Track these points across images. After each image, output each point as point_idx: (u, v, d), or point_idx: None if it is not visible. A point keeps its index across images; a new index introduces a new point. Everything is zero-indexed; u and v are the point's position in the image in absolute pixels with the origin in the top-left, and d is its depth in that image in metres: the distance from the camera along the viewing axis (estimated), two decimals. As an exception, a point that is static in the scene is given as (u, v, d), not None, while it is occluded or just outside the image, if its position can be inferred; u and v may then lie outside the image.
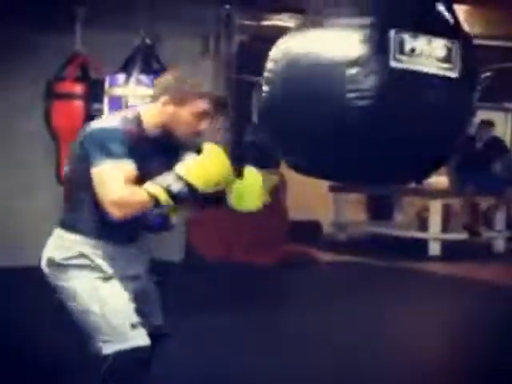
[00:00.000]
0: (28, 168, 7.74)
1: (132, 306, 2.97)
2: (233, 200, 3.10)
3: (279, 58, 3.52)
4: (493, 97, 9.27)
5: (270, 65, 3.57)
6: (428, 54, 3.25)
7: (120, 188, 2.77)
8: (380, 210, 11.78)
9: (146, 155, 2.90)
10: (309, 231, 10.66)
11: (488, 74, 8.31)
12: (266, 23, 9.08)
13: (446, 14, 3.36)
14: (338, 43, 3.31)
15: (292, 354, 4.75)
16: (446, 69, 3.25)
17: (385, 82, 3.20)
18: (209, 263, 7.72)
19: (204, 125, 2.92)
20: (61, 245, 3.14)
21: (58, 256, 3.12)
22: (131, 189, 2.78)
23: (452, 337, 5.58)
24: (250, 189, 3.14)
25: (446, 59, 3.26)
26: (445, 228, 9.81)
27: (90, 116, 6.82)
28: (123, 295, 2.97)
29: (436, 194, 9.72)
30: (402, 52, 3.23)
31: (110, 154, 2.80)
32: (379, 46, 3.22)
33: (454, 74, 3.25)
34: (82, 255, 3.01)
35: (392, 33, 3.22)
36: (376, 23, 3.27)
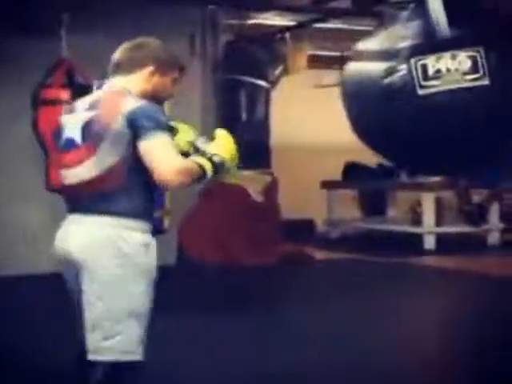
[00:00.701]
0: (16, 175, 7.69)
1: None
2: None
3: None
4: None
5: None
6: (454, 70, 3.22)
7: (178, 157, 2.87)
8: (373, 206, 11.78)
9: None
10: (302, 229, 10.65)
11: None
12: (251, 22, 9.06)
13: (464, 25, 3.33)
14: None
15: (289, 351, 4.72)
16: (474, 79, 3.21)
17: (414, 111, 3.23)
18: (202, 265, 7.69)
19: (174, 88, 3.18)
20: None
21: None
22: (184, 159, 2.90)
23: (449, 329, 5.56)
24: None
25: (473, 70, 3.23)
26: (438, 222, 9.80)
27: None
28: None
29: (429, 187, 9.70)
30: (426, 78, 3.22)
31: (161, 127, 2.89)
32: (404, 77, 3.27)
33: (484, 82, 3.21)
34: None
35: (412, 61, 3.23)
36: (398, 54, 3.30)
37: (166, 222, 6.08)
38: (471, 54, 3.23)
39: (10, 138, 7.61)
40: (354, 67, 3.77)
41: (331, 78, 11.47)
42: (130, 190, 2.94)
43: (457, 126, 3.25)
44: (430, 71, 3.23)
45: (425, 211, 9.70)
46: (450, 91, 3.22)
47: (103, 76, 5.04)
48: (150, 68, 3.14)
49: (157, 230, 6.61)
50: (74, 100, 6.93)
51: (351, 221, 11.43)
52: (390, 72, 3.33)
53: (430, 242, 9.54)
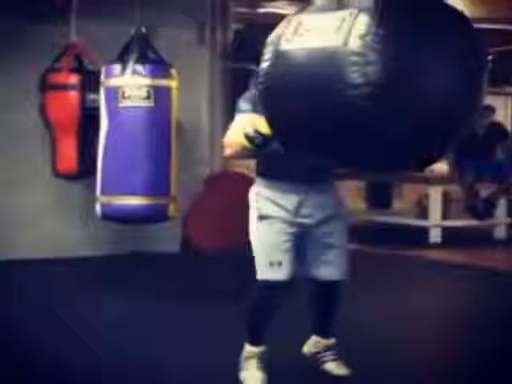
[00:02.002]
0: (24, 161, 7.69)
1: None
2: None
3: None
4: (493, 81, 9.22)
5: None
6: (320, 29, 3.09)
7: (228, 135, 3.66)
8: (379, 198, 11.74)
9: None
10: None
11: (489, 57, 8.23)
12: (261, 10, 9.03)
13: None
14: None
15: (291, 339, 4.72)
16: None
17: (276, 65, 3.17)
18: (207, 253, 7.68)
19: None
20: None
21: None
22: (233, 135, 3.61)
23: (454, 324, 5.54)
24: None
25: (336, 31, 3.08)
26: (445, 215, 9.78)
27: (86, 107, 6.78)
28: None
29: (436, 180, 9.67)
30: (296, 33, 3.14)
31: (239, 112, 3.71)
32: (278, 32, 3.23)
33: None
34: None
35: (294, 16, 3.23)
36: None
37: (172, 209, 6.06)
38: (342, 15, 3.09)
39: (16, 122, 7.60)
40: None
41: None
42: None
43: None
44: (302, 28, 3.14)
45: (431, 204, 9.67)
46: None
47: (112, 62, 5.07)
48: None
49: (162, 217, 6.63)
50: (82, 85, 6.96)
51: (356, 212, 11.40)
52: None
53: (435, 236, 9.51)
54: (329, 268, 3.96)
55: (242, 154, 3.64)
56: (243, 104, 3.70)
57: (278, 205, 3.76)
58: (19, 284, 6.56)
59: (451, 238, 9.48)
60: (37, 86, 7.03)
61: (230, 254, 7.36)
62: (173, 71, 6.13)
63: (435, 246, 9.37)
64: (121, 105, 5.93)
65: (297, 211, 3.77)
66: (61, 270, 7.23)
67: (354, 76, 2.87)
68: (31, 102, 7.12)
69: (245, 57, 8.30)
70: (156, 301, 5.82)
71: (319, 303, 4.11)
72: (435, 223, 9.57)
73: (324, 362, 4.07)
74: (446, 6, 3.10)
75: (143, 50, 6.06)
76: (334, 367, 4.04)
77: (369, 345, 4.75)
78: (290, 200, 3.76)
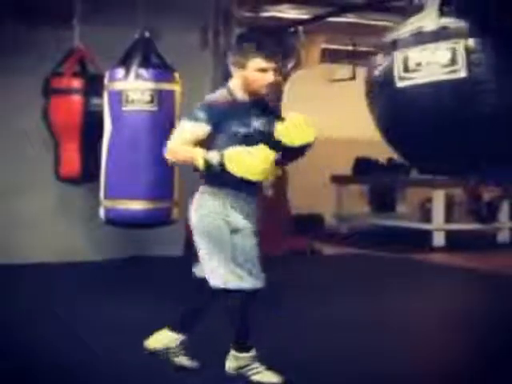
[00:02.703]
0: (27, 165, 7.69)
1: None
2: (283, 139, 3.70)
3: None
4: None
5: None
6: (434, 62, 3.17)
7: (175, 140, 3.67)
8: (383, 201, 11.75)
9: (243, 117, 3.67)
10: (311, 224, 10.63)
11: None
12: (265, 14, 9.02)
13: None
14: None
15: (294, 345, 4.72)
16: (452, 72, 3.15)
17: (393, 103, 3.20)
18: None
19: (269, 77, 3.65)
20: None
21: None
22: (186, 145, 3.63)
23: (457, 327, 5.53)
24: (295, 125, 3.70)
25: (452, 62, 3.16)
26: (448, 218, 9.77)
27: (89, 111, 6.78)
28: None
29: (439, 184, 9.66)
30: (406, 69, 3.18)
31: (190, 118, 3.68)
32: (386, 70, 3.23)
33: (461, 74, 3.14)
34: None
35: (395, 54, 3.21)
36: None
37: (175, 213, 6.06)
38: (451, 45, 3.16)
39: (20, 126, 7.61)
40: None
41: (344, 73, 11.46)
42: None
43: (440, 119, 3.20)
44: (411, 64, 3.19)
45: (435, 208, 9.66)
46: (426, 84, 3.16)
47: (115, 66, 5.07)
48: (232, 66, 3.80)
49: (165, 221, 6.62)
50: (85, 89, 6.93)
51: (360, 216, 11.40)
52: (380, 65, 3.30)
53: (439, 239, 9.50)
54: (252, 278, 3.83)
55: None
56: (201, 113, 3.67)
57: (245, 215, 3.80)
58: (21, 287, 6.56)
59: (454, 241, 9.47)
60: (40, 90, 7.03)
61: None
62: (176, 75, 6.13)
63: (438, 249, 9.36)
64: (124, 109, 5.93)
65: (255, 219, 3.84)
66: (63, 273, 7.23)
67: (483, 102, 3.02)
68: (35, 105, 7.12)
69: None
70: (157, 303, 5.82)
71: (242, 314, 3.93)
72: (438, 227, 9.56)
73: (252, 374, 3.90)
74: None
75: (146, 54, 6.06)
76: (264, 377, 3.87)
77: (370, 345, 4.75)
78: (251, 208, 3.82)
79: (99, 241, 7.85)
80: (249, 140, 3.65)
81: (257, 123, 3.78)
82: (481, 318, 5.80)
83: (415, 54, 3.21)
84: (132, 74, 5.95)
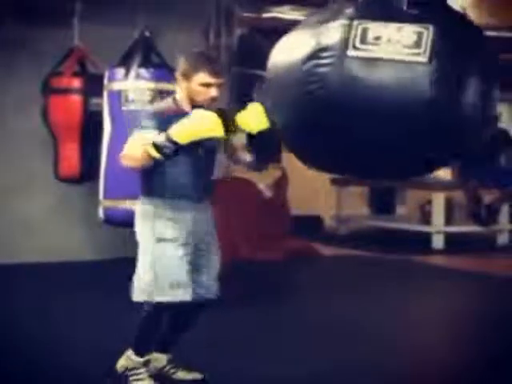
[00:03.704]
0: (26, 164, 7.68)
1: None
2: (241, 125, 3.70)
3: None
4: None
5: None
6: (395, 41, 3.12)
7: (128, 146, 3.67)
8: (382, 203, 11.74)
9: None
10: (310, 225, 10.62)
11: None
12: (266, 15, 9.01)
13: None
14: (305, 39, 3.27)
15: (295, 346, 4.72)
16: (413, 54, 3.10)
17: (341, 71, 3.12)
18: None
19: (213, 92, 3.71)
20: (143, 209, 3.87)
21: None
22: (134, 146, 3.64)
23: (456, 330, 5.53)
24: (252, 113, 3.69)
25: (416, 45, 3.11)
26: (448, 221, 9.76)
27: (89, 111, 6.77)
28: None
29: (439, 186, 9.66)
30: (363, 41, 3.12)
31: (141, 127, 3.68)
32: (341, 37, 3.15)
33: (422, 59, 3.09)
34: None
35: (355, 22, 3.14)
36: (344, 16, 3.20)
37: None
38: (418, 29, 3.12)
39: (19, 125, 7.60)
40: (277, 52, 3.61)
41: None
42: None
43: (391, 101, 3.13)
44: (371, 35, 3.13)
45: (434, 210, 9.66)
46: (380, 61, 3.10)
47: (115, 66, 5.06)
48: (178, 76, 3.81)
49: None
50: (85, 88, 6.93)
51: (360, 218, 11.39)
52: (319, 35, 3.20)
53: (438, 241, 9.50)
54: (201, 289, 3.88)
55: (141, 166, 3.70)
56: (147, 122, 3.68)
57: (175, 225, 3.78)
58: (19, 287, 6.55)
59: (454, 243, 9.46)
60: (40, 89, 7.02)
61: (230, 258, 7.35)
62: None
63: (438, 251, 9.36)
64: (124, 108, 5.92)
65: (190, 230, 3.82)
66: (62, 273, 7.22)
67: (435, 92, 2.98)
68: (34, 105, 7.11)
69: (249, 62, 8.30)
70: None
71: (180, 321, 4.07)
72: (438, 229, 9.56)
73: (173, 373, 4.08)
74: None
75: (147, 54, 6.05)
76: (186, 374, 4.07)
77: (370, 347, 4.75)
78: (185, 218, 3.80)
79: (98, 240, 7.84)
80: (195, 148, 3.69)
81: None
82: (480, 320, 5.80)
83: (377, 29, 3.16)
84: (132, 74, 5.93)
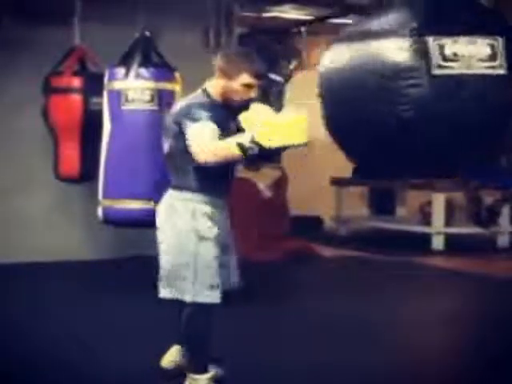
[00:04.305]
0: (26, 164, 7.68)
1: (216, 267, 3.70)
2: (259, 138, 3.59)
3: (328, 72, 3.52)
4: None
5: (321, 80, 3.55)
6: (472, 56, 3.16)
7: (202, 142, 3.58)
8: (382, 204, 11.72)
9: (219, 119, 3.67)
10: (310, 226, 10.60)
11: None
12: (266, 15, 9.00)
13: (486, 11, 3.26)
14: (381, 55, 3.25)
15: (296, 346, 4.71)
16: (491, 67, 3.14)
17: (430, 91, 3.14)
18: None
19: (251, 94, 3.75)
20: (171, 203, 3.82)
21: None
22: (215, 142, 3.58)
23: (456, 331, 5.52)
24: (298, 125, 3.62)
25: (491, 58, 3.16)
26: (448, 222, 9.74)
27: (89, 110, 6.76)
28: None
29: (439, 187, 9.63)
30: (444, 58, 3.15)
31: (196, 119, 3.62)
32: (420, 55, 3.16)
33: (500, 71, 3.14)
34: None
35: (430, 40, 3.16)
36: (415, 31, 3.20)
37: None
38: (490, 42, 3.16)
39: (19, 124, 7.59)
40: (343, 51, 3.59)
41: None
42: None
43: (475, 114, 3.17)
44: (448, 52, 3.15)
45: (434, 211, 9.64)
46: (462, 77, 3.13)
47: (115, 65, 5.05)
48: (218, 73, 3.80)
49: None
50: (85, 88, 6.91)
51: (360, 218, 11.38)
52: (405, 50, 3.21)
53: (438, 243, 9.48)
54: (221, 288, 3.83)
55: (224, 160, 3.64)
56: (201, 112, 3.65)
57: (214, 223, 3.76)
58: (19, 286, 6.54)
59: (454, 245, 9.44)
60: (40, 89, 7.01)
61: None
62: (176, 75, 6.11)
63: (438, 252, 9.34)
64: (124, 108, 5.91)
65: (222, 229, 3.82)
66: (62, 272, 7.22)
67: None
68: (34, 104, 7.10)
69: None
70: (156, 303, 5.79)
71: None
72: (438, 230, 9.53)
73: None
74: None
75: (147, 54, 6.04)
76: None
77: (370, 348, 4.75)
78: (220, 216, 3.81)
79: (98, 240, 7.83)
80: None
81: (232, 124, 3.84)
82: (480, 322, 5.79)
83: (454, 46, 3.21)
84: (132, 73, 5.93)
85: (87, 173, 6.83)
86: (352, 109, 3.37)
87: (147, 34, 6.08)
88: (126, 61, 6.00)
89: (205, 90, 3.83)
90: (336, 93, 3.45)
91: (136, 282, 6.62)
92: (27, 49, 7.50)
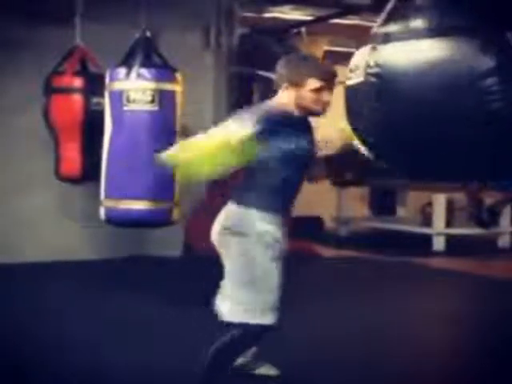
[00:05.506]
0: (27, 164, 7.68)
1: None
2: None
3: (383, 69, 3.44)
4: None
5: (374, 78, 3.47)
6: None
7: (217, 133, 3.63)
8: (383, 205, 11.72)
9: (293, 133, 3.59)
10: (311, 226, 10.61)
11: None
12: (267, 15, 9.00)
13: None
14: (461, 53, 3.19)
15: (295, 347, 4.70)
16: None
17: None
18: (207, 258, 7.66)
19: (325, 97, 3.65)
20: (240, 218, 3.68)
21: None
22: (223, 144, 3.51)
23: (456, 332, 5.52)
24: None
25: None
26: (449, 223, 9.74)
27: (90, 110, 6.76)
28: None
29: (440, 188, 9.63)
30: None
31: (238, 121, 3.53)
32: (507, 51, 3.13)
33: None
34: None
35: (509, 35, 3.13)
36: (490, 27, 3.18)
37: (175, 214, 6.03)
38: None
39: (20, 125, 7.59)
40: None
41: (346, 75, 11.43)
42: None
43: None
44: None
45: (435, 212, 9.64)
46: None
47: (116, 65, 5.04)
48: (284, 84, 3.67)
49: (166, 222, 6.59)
50: (86, 88, 6.93)
51: (360, 219, 11.38)
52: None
53: (439, 243, 9.48)
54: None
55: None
56: (251, 117, 3.53)
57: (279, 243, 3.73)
58: (20, 286, 6.54)
59: (455, 246, 9.45)
60: (41, 89, 7.01)
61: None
62: (177, 75, 6.11)
63: (438, 253, 9.34)
64: (125, 108, 5.90)
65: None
66: (62, 272, 7.22)
67: None
68: (35, 104, 7.10)
69: (250, 61, 8.29)
70: (156, 304, 5.80)
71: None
72: (439, 231, 9.54)
73: (253, 368, 4.12)
74: None
75: (148, 54, 6.04)
76: (265, 370, 4.13)
77: (370, 348, 4.74)
78: (281, 236, 3.77)
79: (99, 240, 7.83)
80: (298, 156, 3.63)
81: (304, 140, 3.71)
82: (480, 322, 5.79)
83: None
84: (133, 74, 5.92)
85: (88, 173, 6.82)
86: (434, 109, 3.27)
87: (148, 34, 6.08)
88: (127, 61, 6.00)
89: (279, 102, 3.67)
90: (409, 94, 3.30)
91: (136, 282, 6.63)
92: (27, 49, 7.50)
